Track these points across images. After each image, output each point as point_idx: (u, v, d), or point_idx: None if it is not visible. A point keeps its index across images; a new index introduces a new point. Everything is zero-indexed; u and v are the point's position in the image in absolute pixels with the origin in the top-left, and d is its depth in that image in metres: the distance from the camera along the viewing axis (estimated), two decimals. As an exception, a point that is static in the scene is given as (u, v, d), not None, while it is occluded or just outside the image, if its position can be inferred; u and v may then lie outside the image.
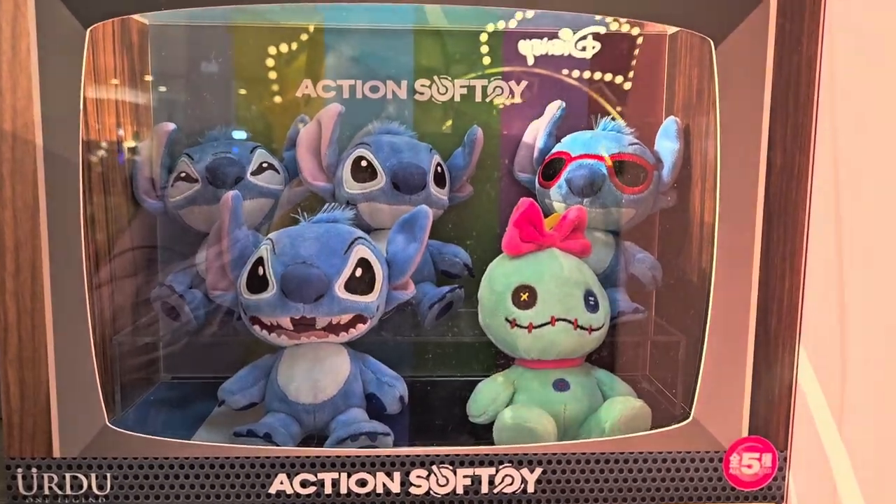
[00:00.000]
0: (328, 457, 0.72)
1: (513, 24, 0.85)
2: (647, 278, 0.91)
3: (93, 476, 0.71)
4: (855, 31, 0.66)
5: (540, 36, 0.89)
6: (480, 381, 0.82)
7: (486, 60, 0.93)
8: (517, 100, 0.94)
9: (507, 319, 0.79)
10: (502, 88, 0.94)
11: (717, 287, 0.72)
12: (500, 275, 0.80)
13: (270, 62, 0.92)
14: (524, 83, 0.93)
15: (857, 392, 0.66)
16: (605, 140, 0.89)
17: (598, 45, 0.89)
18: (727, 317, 0.72)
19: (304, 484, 0.72)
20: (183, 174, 0.87)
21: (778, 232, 0.71)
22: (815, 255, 0.71)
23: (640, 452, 0.74)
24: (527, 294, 0.78)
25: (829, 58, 0.68)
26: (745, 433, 0.73)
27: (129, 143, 0.87)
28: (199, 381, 0.95)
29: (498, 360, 0.85)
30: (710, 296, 0.72)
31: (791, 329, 0.72)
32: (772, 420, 0.73)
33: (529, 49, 0.90)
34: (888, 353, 0.63)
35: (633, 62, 0.93)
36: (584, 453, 0.73)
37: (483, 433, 0.78)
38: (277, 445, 0.73)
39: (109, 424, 0.71)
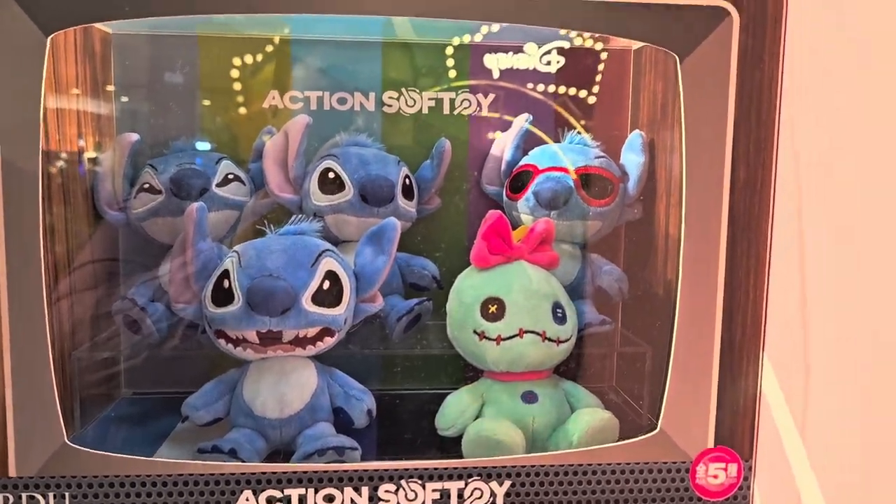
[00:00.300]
0: (295, 472, 0.71)
1: (478, 38, 0.85)
2: (614, 290, 0.92)
3: (51, 496, 0.69)
4: (815, 49, 0.68)
5: (505, 50, 0.89)
6: (449, 393, 0.82)
7: (452, 73, 0.93)
8: (485, 113, 0.94)
9: (475, 332, 0.79)
10: (470, 101, 0.94)
11: (682, 299, 0.73)
12: (469, 287, 0.80)
13: (235, 73, 0.91)
14: (492, 96, 0.94)
15: (819, 402, 0.68)
16: (572, 153, 0.90)
17: (562, 60, 0.90)
18: (693, 328, 0.73)
19: (270, 500, 0.71)
20: (146, 185, 0.86)
21: (742, 245, 0.72)
22: (779, 267, 0.72)
23: (608, 464, 0.74)
24: (495, 306, 0.78)
25: (790, 74, 0.70)
26: (711, 444, 0.74)
27: (90, 154, 0.85)
28: (162, 397, 0.92)
29: (466, 372, 0.84)
30: (675, 307, 0.73)
31: (755, 340, 0.73)
32: (737, 430, 0.74)
33: (495, 63, 0.90)
34: (850, 364, 0.64)
35: (598, 77, 0.94)
36: (552, 465, 0.73)
37: (452, 446, 0.78)
38: (243, 461, 0.71)
39: (68, 442, 0.69)
